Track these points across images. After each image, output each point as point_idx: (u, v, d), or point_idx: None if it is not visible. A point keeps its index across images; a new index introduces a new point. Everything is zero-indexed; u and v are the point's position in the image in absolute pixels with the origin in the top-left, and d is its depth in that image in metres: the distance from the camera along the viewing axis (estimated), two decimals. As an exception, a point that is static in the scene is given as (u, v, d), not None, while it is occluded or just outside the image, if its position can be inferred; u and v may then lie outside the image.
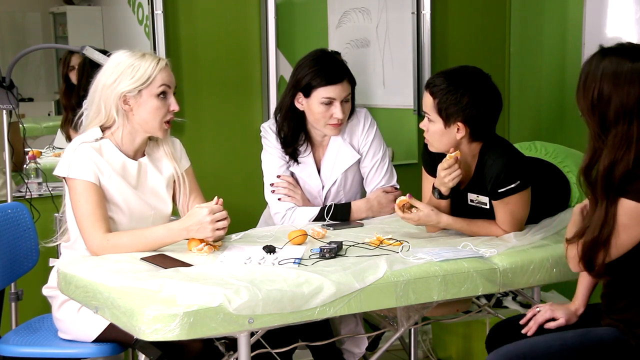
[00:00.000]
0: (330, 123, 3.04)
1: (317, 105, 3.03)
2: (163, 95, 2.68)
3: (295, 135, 3.12)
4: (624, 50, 2.18)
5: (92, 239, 2.58)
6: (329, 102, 3.02)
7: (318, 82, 3.02)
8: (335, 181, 3.16)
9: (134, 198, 2.69)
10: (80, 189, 2.60)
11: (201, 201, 2.82)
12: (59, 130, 3.82)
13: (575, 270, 2.33)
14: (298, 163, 3.15)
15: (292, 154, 3.13)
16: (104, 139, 2.69)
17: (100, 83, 2.67)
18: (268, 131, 3.16)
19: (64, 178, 2.66)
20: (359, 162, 3.18)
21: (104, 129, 2.70)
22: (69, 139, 3.68)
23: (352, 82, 3.08)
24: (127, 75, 2.63)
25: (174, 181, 2.81)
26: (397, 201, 2.75)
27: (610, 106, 2.14)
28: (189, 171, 2.86)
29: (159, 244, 2.59)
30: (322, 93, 3.01)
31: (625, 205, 2.16)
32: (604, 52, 2.20)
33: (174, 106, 2.70)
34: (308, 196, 3.16)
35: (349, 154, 3.14)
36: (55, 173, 2.67)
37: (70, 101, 3.73)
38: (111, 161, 2.67)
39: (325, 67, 3.03)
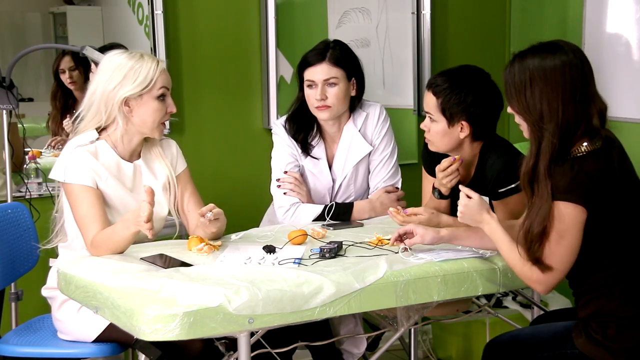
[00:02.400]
0: (314, 106, 3.05)
1: (305, 89, 3.07)
2: (162, 97, 2.69)
3: (302, 122, 3.12)
4: (540, 48, 2.30)
5: (86, 240, 2.60)
6: (311, 85, 3.04)
7: (302, 66, 3.08)
8: (346, 175, 3.16)
9: (131, 200, 2.69)
10: (75, 192, 2.62)
11: (197, 201, 2.84)
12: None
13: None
14: (312, 157, 3.14)
15: (304, 142, 3.13)
16: (100, 140, 2.69)
17: (100, 86, 2.66)
18: (279, 127, 3.17)
19: (59, 182, 2.67)
20: (369, 155, 3.18)
21: (99, 130, 2.71)
22: (53, 134, 3.71)
23: (344, 67, 3.05)
24: (129, 79, 2.63)
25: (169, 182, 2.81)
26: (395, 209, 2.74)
27: (543, 99, 2.25)
28: (185, 172, 2.86)
29: (120, 235, 2.53)
30: (306, 75, 3.07)
31: (555, 207, 2.23)
32: (522, 55, 2.32)
33: (172, 108, 2.72)
34: (316, 194, 3.16)
35: (362, 145, 3.14)
36: (51, 176, 2.68)
37: (59, 102, 3.76)
38: (107, 164, 2.67)
39: (309, 51, 3.07)
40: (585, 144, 2.25)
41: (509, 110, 2.37)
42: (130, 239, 2.55)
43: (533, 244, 2.28)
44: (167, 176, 2.80)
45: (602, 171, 2.23)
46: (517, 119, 2.35)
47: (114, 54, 2.70)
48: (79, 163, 2.62)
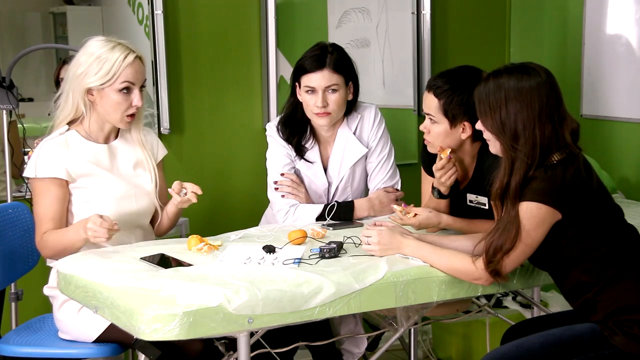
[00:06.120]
0: (314, 112, 3.04)
1: (304, 94, 3.04)
2: (126, 90, 2.69)
3: (295, 126, 3.11)
4: (514, 69, 2.35)
5: (36, 236, 2.68)
6: (311, 91, 3.02)
7: (301, 70, 3.04)
8: (343, 178, 3.16)
9: (113, 180, 2.73)
10: (42, 187, 2.67)
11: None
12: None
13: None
14: (306, 160, 3.13)
15: (297, 146, 3.12)
16: (70, 130, 2.73)
17: (71, 72, 2.71)
18: (273, 128, 3.16)
19: (29, 179, 2.71)
20: (366, 157, 3.17)
21: (70, 122, 2.75)
22: None
23: (343, 73, 3.04)
24: (93, 68, 2.66)
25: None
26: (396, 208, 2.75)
27: (518, 119, 2.30)
28: (161, 163, 2.92)
29: (70, 243, 2.62)
30: (304, 81, 3.03)
31: (526, 207, 2.28)
32: (497, 74, 2.35)
33: (137, 102, 2.72)
34: (313, 195, 3.15)
35: (357, 147, 3.13)
36: (24, 175, 2.74)
37: None
38: (79, 151, 2.71)
39: (309, 56, 3.04)
40: (555, 155, 2.32)
41: (478, 126, 2.41)
42: (78, 245, 2.61)
43: (495, 257, 2.32)
44: (146, 160, 2.83)
45: (574, 175, 2.29)
46: (487, 135, 2.39)
47: (92, 40, 2.72)
48: (49, 156, 2.67)
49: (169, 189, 2.76)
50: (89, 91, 2.68)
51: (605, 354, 2.30)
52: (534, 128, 2.29)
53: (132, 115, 2.73)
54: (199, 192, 2.73)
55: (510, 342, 2.40)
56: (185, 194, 2.73)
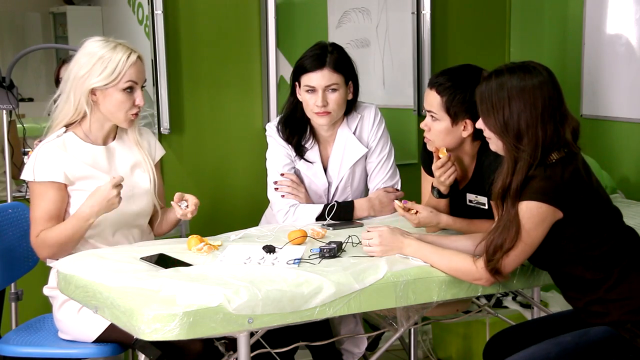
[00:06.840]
0: (314, 112, 3.04)
1: (303, 94, 3.05)
2: (129, 89, 2.70)
3: (295, 126, 3.11)
4: (516, 68, 2.34)
5: (32, 235, 2.67)
6: (311, 90, 3.02)
7: (301, 70, 3.04)
8: (343, 177, 3.16)
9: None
10: (40, 190, 2.67)
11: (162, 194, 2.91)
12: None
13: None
14: (306, 160, 3.13)
15: (297, 146, 3.12)
16: (68, 132, 2.73)
17: (72, 73, 2.70)
18: (273, 128, 3.16)
19: (27, 181, 2.72)
20: (366, 157, 3.17)
21: (68, 124, 2.74)
22: None
23: (343, 73, 3.04)
24: (97, 69, 2.66)
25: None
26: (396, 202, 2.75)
27: (521, 118, 2.29)
28: (159, 163, 2.92)
29: (74, 231, 2.63)
30: (304, 81, 3.03)
31: (526, 207, 2.27)
32: (499, 73, 2.34)
33: (139, 101, 2.73)
34: (313, 195, 3.16)
35: (357, 147, 3.13)
36: (22, 177, 2.74)
37: None
38: (77, 154, 2.71)
39: (309, 55, 3.05)
40: (554, 154, 2.31)
41: (479, 125, 2.40)
42: (84, 228, 2.62)
43: (495, 256, 2.32)
44: (144, 160, 2.83)
45: (573, 174, 2.29)
46: (488, 133, 2.38)
47: (91, 41, 2.72)
48: (47, 159, 2.67)
49: (171, 202, 2.75)
50: (92, 91, 2.68)
51: (630, 357, 2.28)
52: (536, 127, 2.28)
53: (135, 114, 2.74)
54: (197, 205, 2.74)
55: (523, 350, 2.36)
56: (187, 206, 2.73)
